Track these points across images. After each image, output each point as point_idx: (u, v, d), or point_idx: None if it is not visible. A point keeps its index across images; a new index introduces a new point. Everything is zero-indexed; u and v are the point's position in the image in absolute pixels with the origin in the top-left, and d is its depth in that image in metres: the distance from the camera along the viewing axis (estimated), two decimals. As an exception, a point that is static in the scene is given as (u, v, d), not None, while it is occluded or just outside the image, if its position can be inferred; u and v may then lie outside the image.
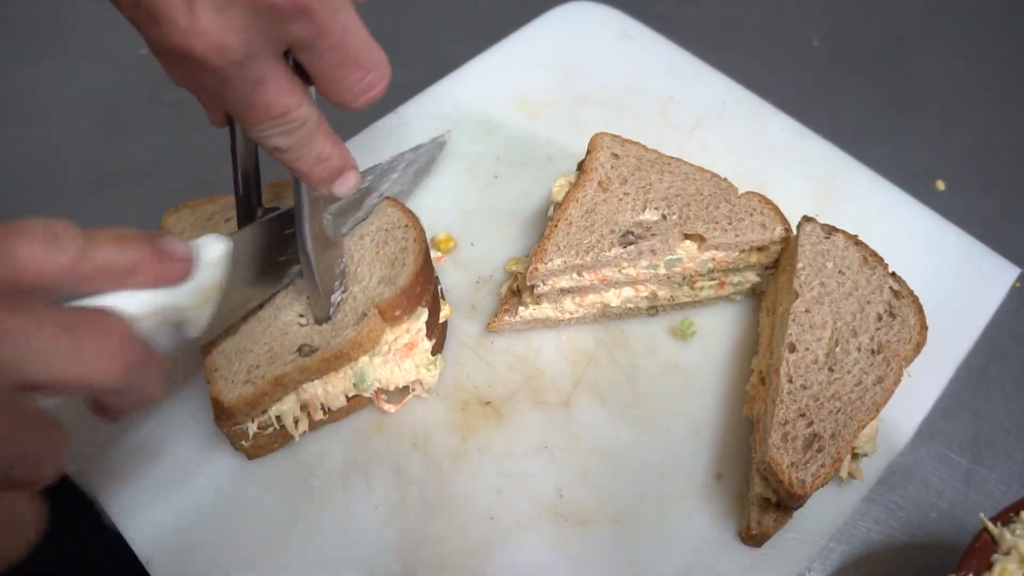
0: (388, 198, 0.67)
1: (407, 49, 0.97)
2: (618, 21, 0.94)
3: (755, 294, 0.72)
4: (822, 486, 0.55)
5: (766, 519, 0.58)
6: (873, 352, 0.59)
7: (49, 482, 0.37)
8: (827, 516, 0.61)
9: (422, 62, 0.89)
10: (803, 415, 0.56)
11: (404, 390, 0.66)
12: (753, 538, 0.59)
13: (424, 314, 0.63)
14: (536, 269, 0.63)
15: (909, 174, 0.81)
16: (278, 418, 0.60)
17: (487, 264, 0.75)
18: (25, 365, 0.33)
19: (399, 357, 0.62)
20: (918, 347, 0.59)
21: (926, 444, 0.66)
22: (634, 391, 0.67)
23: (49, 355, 0.34)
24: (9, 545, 0.35)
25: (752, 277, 0.69)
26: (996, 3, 1.07)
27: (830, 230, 0.65)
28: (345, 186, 0.55)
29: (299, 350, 0.58)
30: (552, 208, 0.69)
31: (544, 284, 0.65)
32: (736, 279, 0.69)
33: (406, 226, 0.65)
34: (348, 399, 0.62)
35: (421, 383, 0.64)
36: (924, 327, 0.60)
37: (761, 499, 0.59)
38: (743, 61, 0.91)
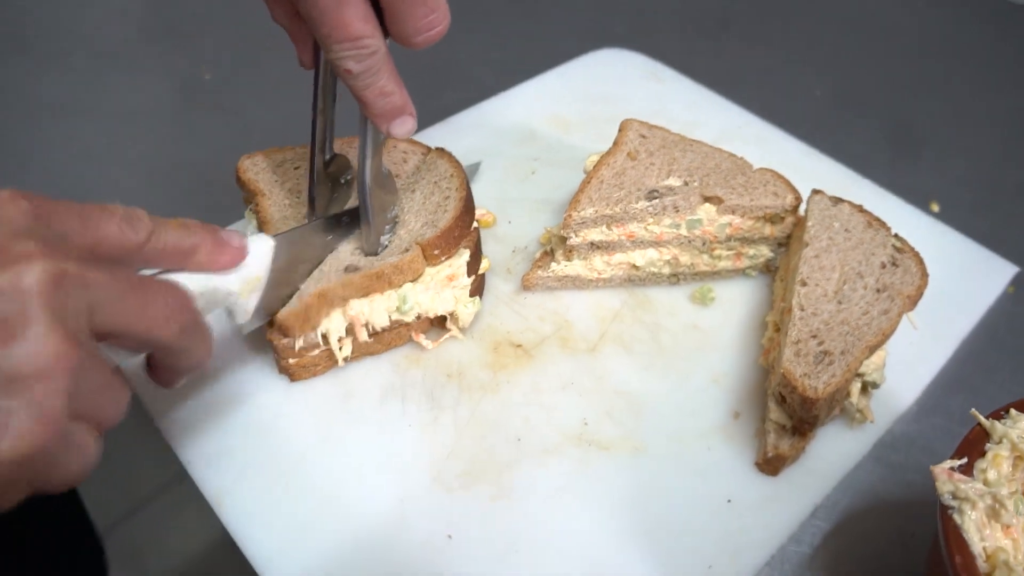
0: (437, 148, 0.75)
1: (454, 77, 1.10)
2: (647, 65, 1.06)
3: (769, 270, 0.77)
4: (834, 398, 0.58)
5: (782, 443, 0.61)
6: (878, 291, 0.64)
7: (111, 425, 0.41)
8: (839, 457, 0.64)
9: (466, 90, 1.01)
10: (814, 336, 0.61)
11: (441, 329, 0.71)
12: (770, 463, 0.61)
13: (465, 254, 0.69)
14: (570, 216, 0.70)
15: (905, 196, 0.88)
16: (324, 337, 0.65)
17: (522, 239, 0.82)
18: (101, 311, 0.39)
19: (440, 287, 0.68)
20: (920, 290, 0.64)
21: (928, 416, 0.69)
22: (657, 344, 0.72)
23: (121, 306, 0.40)
24: (75, 469, 0.39)
25: (766, 252, 0.75)
26: (983, 55, 1.19)
27: (836, 200, 0.72)
28: (403, 128, 0.62)
29: (345, 269, 0.64)
30: (585, 180, 0.77)
31: (576, 235, 0.71)
32: (751, 251, 0.75)
33: (451, 176, 0.72)
34: (391, 321, 0.67)
35: (457, 318, 0.70)
36: (925, 274, 0.65)
37: (777, 426, 0.62)
38: (758, 107, 1.01)
